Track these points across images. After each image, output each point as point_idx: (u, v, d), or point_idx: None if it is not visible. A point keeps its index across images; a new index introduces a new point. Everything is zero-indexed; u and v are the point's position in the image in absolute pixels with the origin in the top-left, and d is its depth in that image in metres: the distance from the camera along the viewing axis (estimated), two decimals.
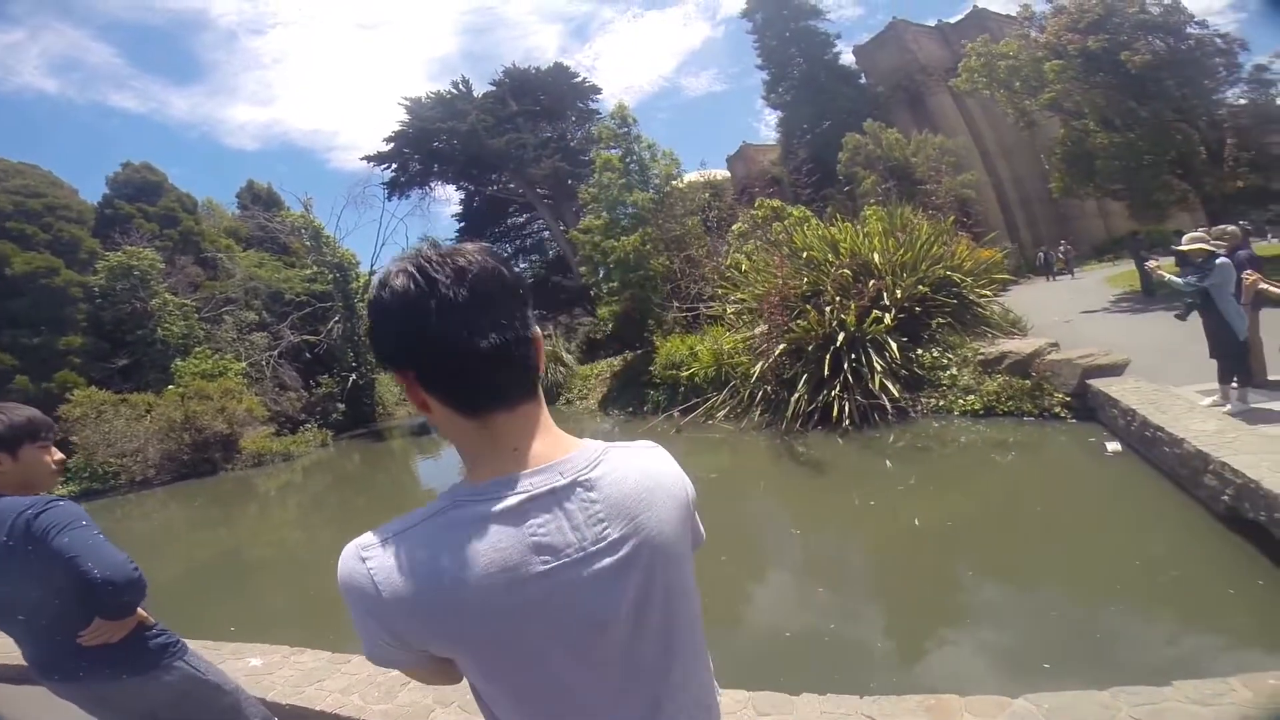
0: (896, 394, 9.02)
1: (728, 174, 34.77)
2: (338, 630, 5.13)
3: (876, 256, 10.40)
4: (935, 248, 10.75)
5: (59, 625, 1.88)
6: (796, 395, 9.73)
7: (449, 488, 0.81)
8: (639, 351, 17.30)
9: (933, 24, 36.76)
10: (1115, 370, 7.75)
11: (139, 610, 1.96)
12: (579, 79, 34.64)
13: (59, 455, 2.10)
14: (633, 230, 16.56)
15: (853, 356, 9.48)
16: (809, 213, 15.07)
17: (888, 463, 7.77)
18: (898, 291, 9.96)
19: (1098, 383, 7.45)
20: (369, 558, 0.76)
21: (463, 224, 36.05)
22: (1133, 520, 4.98)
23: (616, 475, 0.83)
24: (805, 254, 11.03)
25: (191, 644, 3.82)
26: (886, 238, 10.85)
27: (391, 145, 32.70)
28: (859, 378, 9.40)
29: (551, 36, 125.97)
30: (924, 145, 26.71)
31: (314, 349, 25.27)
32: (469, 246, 0.80)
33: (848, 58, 36.36)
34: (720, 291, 13.07)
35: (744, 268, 12.45)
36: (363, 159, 33.62)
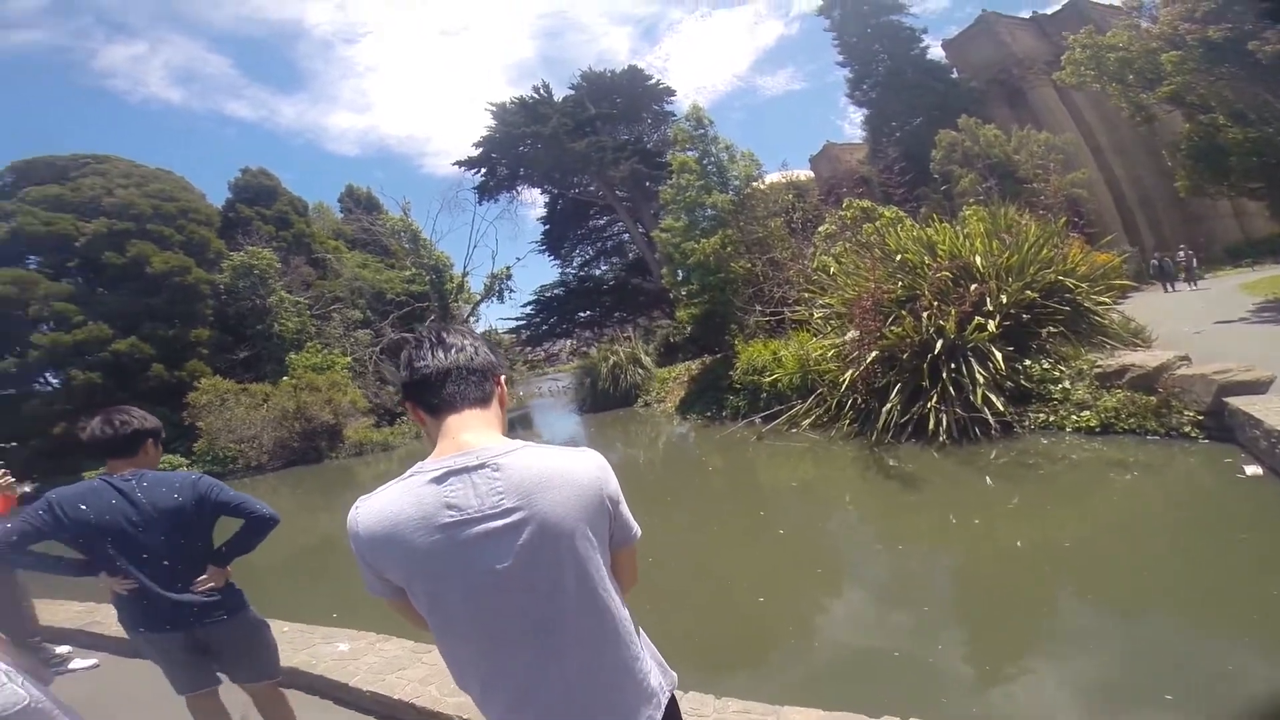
0: (1001, 407, 8.47)
1: (811, 174, 33.94)
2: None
3: (979, 259, 9.84)
4: (1045, 250, 10.05)
5: (184, 573, 2.40)
6: (889, 405, 9.36)
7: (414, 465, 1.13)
8: (718, 356, 17.16)
9: (1027, 16, 34.57)
10: (1258, 387, 6.99)
11: (227, 570, 2.52)
12: (653, 81, 34.75)
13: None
14: (712, 233, 16.45)
15: (952, 366, 9.00)
16: (902, 213, 14.46)
17: (988, 480, 7.34)
18: (1003, 297, 9.38)
19: (1236, 401, 6.75)
20: (359, 507, 1.11)
21: (547, 227, 36.88)
22: (1271, 549, 4.51)
23: (523, 463, 1.09)
24: (899, 256, 10.58)
25: (288, 625, 4.48)
26: (990, 239, 10.24)
27: (480, 150, 33.80)
28: (959, 389, 8.91)
29: (622, 39, 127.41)
30: (1027, 141, 25.08)
31: None
32: (457, 327, 1.29)
33: (935, 52, 34.74)
34: (806, 295, 12.74)
35: (833, 271, 12.09)
36: (454, 164, 34.98)
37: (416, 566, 1.06)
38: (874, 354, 9.59)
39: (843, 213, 14.92)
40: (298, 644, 4.14)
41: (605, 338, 28.88)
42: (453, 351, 1.18)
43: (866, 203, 15.29)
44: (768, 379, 12.67)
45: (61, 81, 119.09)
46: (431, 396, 1.16)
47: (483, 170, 34.25)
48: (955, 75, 34.49)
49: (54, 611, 5.42)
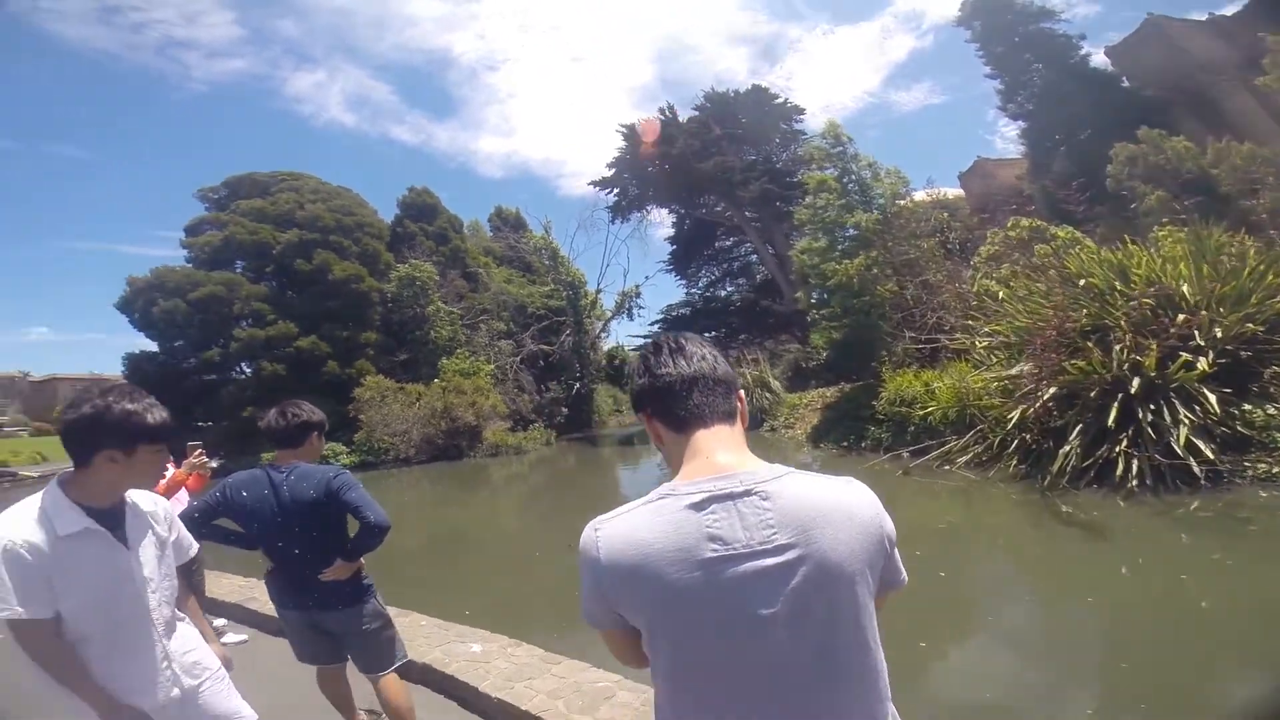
0: (1210, 455, 7.36)
1: (961, 192, 31.77)
2: (550, 625, 5.47)
3: (1186, 287, 8.64)
4: (1271, 277, 8.63)
5: (313, 562, 2.62)
6: (1067, 447, 8.43)
7: (661, 485, 1.01)
8: (858, 383, 16.38)
9: (1201, 18, 30.31)
10: None
11: (360, 560, 2.70)
12: (779, 100, 34.14)
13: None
14: (855, 253, 15.77)
15: (1151, 408, 7.95)
16: (1078, 234, 13.09)
17: (1183, 536, 6.52)
18: (1216, 330, 8.14)
19: None
20: (599, 529, 0.99)
21: (674, 247, 37.29)
22: None
23: (794, 491, 0.96)
24: (1083, 281, 9.54)
25: (425, 619, 4.69)
26: (1198, 264, 8.97)
27: (613, 171, 34.89)
28: (1157, 432, 7.87)
29: (740, 59, 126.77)
30: (1227, 154, 21.87)
31: (547, 358, 28.12)
32: (689, 335, 1.16)
33: (1097, 59, 31.36)
34: (970, 323, 11.80)
35: (1001, 296, 11.12)
36: (589, 184, 36.34)
37: (666, 604, 0.92)
38: (1052, 390, 8.66)
39: (1008, 232, 13.74)
40: (434, 639, 4.23)
41: (729, 359, 28.56)
42: (694, 359, 1.08)
43: (1036, 221, 13.98)
44: (918, 411, 11.88)
45: (262, 107, 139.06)
46: (677, 407, 1.05)
47: (615, 190, 35.29)
48: (1126, 84, 31.01)
49: (218, 583, 5.87)
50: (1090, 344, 8.61)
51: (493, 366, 25.31)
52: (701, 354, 1.10)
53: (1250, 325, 8.21)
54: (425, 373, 24.49)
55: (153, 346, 25.96)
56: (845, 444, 14.28)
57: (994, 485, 9.39)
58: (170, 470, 3.49)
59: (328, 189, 29.30)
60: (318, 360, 24.72)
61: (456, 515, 14.24)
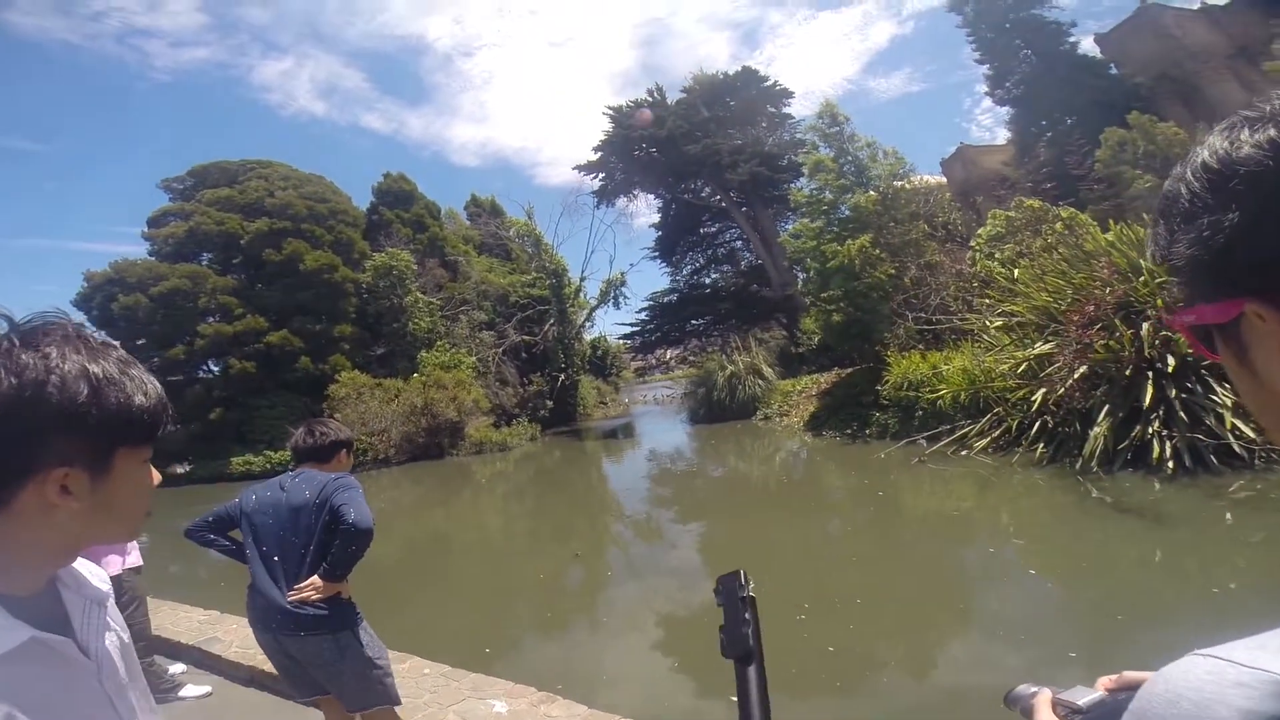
0: (1252, 433, 7.07)
1: (942, 179, 31.66)
2: (579, 665, 4.95)
3: None
4: None
5: (290, 576, 2.35)
6: (1097, 429, 8.05)
7: None
8: (858, 368, 15.94)
9: (1194, 7, 30.84)
10: None
11: (345, 582, 2.37)
12: (770, 83, 33.82)
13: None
14: (854, 235, 15.34)
15: (1187, 385, 7.59)
16: (1080, 214, 12.74)
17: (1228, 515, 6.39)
18: None
19: None
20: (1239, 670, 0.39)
21: (660, 233, 36.77)
22: None
23: None
24: (1104, 259, 9.13)
25: (429, 665, 3.91)
26: None
27: (599, 155, 34.31)
28: (1190, 412, 7.53)
29: (721, 44, 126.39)
30: None
31: (531, 349, 27.25)
32: None
33: (1086, 45, 31.69)
34: (985, 304, 11.36)
35: (1016, 275, 10.70)
36: (575, 168, 35.77)
37: None
38: (1082, 370, 8.25)
39: (1011, 214, 13.37)
40: (442, 695, 3.50)
41: (713, 346, 28.19)
42: None
43: (1038, 202, 13.64)
44: (926, 395, 11.44)
45: (229, 95, 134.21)
46: None
47: (600, 175, 34.74)
48: (1114, 71, 31.40)
49: (175, 618, 5.03)
50: (1119, 322, 8.22)
51: (474, 359, 24.35)
52: None
53: None
54: (403, 367, 23.49)
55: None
56: (849, 431, 13.84)
57: (1017, 470, 9.08)
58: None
59: (299, 175, 27.99)
60: (289, 356, 23.56)
61: (443, 522, 13.46)
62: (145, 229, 26.06)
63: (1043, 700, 0.74)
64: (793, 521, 9.05)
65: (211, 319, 24.13)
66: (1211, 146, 0.45)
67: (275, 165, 27.91)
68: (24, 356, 0.68)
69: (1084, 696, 0.71)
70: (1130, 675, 0.73)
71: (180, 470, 21.86)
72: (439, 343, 24.17)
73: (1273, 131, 0.42)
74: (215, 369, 24.58)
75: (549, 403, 26.17)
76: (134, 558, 3.81)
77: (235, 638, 4.49)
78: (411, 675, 3.70)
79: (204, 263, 25.29)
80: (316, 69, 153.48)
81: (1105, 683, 0.73)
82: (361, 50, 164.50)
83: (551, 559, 8.66)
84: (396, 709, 2.49)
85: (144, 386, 0.76)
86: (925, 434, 10.96)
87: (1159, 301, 7.95)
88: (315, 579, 2.33)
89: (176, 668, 4.22)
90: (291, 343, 23.57)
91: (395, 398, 20.85)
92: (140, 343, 23.85)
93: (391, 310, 24.59)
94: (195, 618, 5.11)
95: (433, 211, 30.01)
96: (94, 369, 0.71)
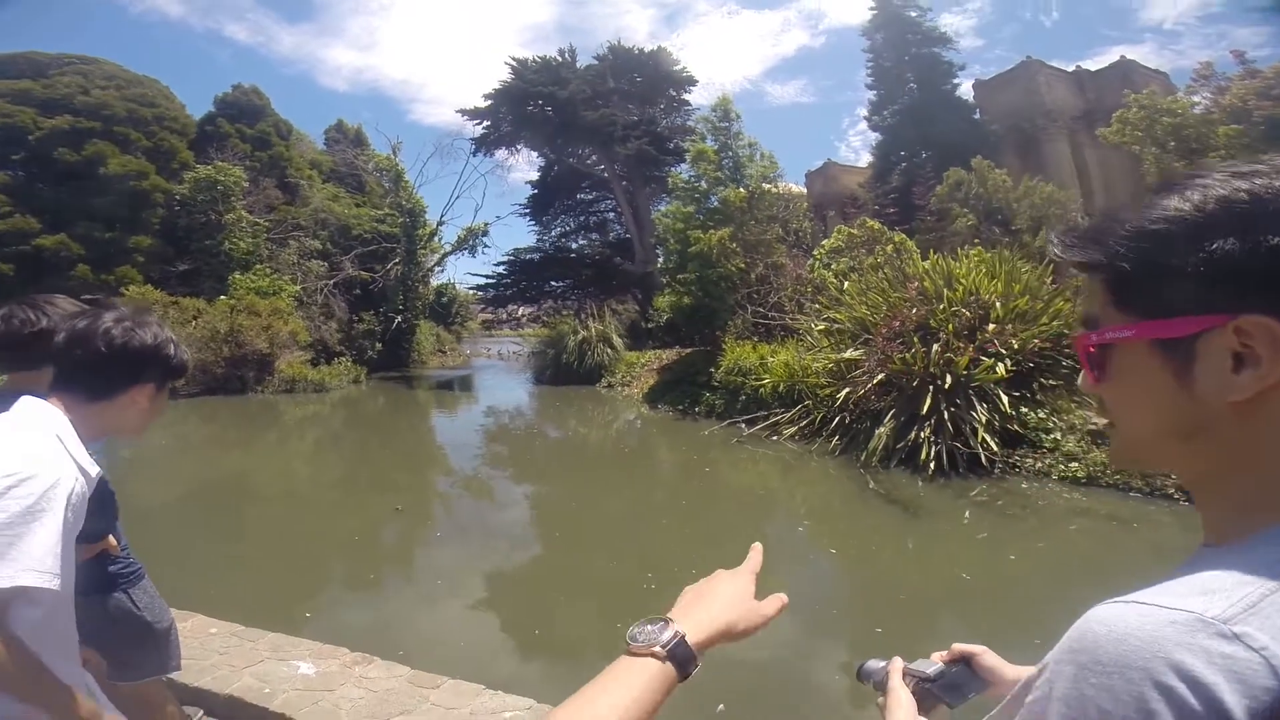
0: (996, 448, 8.35)
1: (803, 189, 33.71)
2: (402, 629, 4.63)
3: (997, 302, 9.55)
4: (1059, 302, 9.82)
5: None
6: (882, 430, 9.02)
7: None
8: (697, 349, 16.62)
9: (1070, 69, 34.67)
10: None
11: (109, 539, 2.05)
12: (679, 68, 34.06)
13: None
14: (715, 225, 15.91)
15: (957, 401, 8.69)
16: (910, 242, 14.17)
17: (966, 514, 7.50)
18: (1013, 342, 9.11)
19: None
20: (1244, 635, 0.41)
21: (536, 192, 35.73)
22: None
23: None
24: (917, 283, 10.19)
25: (216, 625, 3.45)
26: (1009, 282, 9.99)
27: (490, 102, 32.52)
28: (955, 424, 8.68)
29: (643, 19, 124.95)
30: (1032, 192, 25.33)
31: (366, 285, 25.16)
32: None
33: (965, 89, 34.77)
34: (816, 307, 12.26)
35: (846, 287, 11.66)
36: (458, 111, 33.68)
37: None
38: (880, 377, 9.17)
39: (853, 230, 14.52)
40: (235, 658, 3.04)
41: (567, 311, 27.98)
42: None
43: (877, 224, 14.94)
44: (752, 382, 12.19)
45: None
46: None
47: (486, 123, 32.95)
48: (978, 116, 34.44)
49: None
50: (917, 340, 9.20)
51: (299, 288, 22.01)
52: None
53: (1036, 341, 9.28)
54: (209, 288, 20.82)
55: None
56: (680, 407, 14.44)
57: (815, 459, 9.98)
58: None
59: (128, 76, 25.87)
60: (66, 263, 21.04)
61: (240, 465, 11.93)
62: None
63: (894, 669, 0.82)
64: (624, 490, 9.34)
65: None
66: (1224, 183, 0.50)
67: (102, 63, 26.16)
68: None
69: (929, 667, 0.81)
70: (958, 647, 0.84)
71: None
72: (258, 266, 21.52)
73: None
74: None
75: (379, 344, 24.35)
76: None
77: None
78: (195, 635, 3.18)
79: None
80: None
81: (940, 656, 0.83)
82: None
83: (369, 513, 7.99)
84: (173, 675, 2.19)
85: (183, 350, 1.44)
86: (745, 418, 11.72)
87: (950, 327, 9.00)
88: None
89: None
90: (70, 248, 21.30)
91: (193, 319, 18.10)
92: None
93: (208, 226, 21.64)
94: None
95: (281, 130, 27.53)
96: (173, 338, 1.41)
